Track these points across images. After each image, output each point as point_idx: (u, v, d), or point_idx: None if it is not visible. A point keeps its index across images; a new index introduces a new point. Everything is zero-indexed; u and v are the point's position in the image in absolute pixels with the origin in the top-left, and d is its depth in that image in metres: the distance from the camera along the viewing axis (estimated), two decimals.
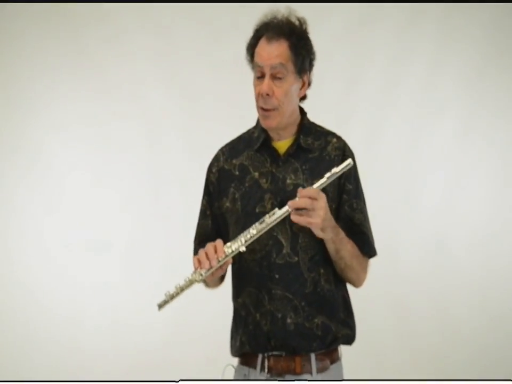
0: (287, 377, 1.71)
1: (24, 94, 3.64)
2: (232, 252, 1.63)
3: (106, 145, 3.68)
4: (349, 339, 1.78)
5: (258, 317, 1.72)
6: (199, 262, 1.64)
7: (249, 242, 1.64)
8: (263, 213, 1.71)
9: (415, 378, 3.25)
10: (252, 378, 1.74)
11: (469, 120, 3.76)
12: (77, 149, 3.67)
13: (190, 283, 1.66)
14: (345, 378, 1.81)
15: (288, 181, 1.74)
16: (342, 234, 1.70)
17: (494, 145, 3.76)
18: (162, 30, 3.66)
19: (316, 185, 1.62)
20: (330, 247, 1.69)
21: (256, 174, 1.77)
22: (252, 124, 1.88)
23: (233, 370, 1.82)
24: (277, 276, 1.70)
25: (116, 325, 3.59)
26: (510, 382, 1.87)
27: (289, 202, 1.60)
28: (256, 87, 1.72)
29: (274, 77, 1.69)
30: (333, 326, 1.73)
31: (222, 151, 1.86)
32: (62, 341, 3.54)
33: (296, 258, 1.71)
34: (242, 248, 1.63)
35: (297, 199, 1.60)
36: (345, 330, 1.76)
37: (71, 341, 3.56)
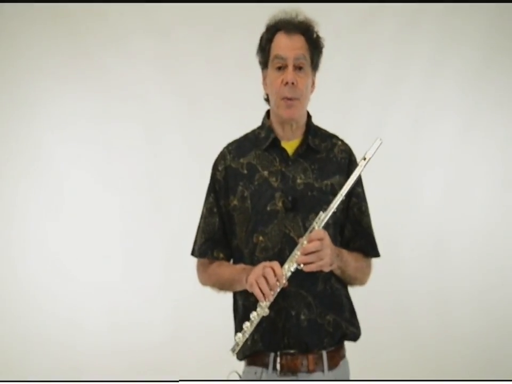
0: (300, 375, 1.72)
1: (24, 94, 3.64)
2: (291, 272, 1.63)
3: (107, 145, 3.68)
4: (355, 336, 1.82)
5: (273, 315, 1.71)
6: (261, 291, 1.61)
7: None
8: (275, 211, 1.73)
9: (415, 379, 3.25)
10: (263, 377, 1.74)
11: (469, 119, 3.76)
12: (77, 149, 3.67)
13: (258, 319, 1.65)
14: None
15: (299, 180, 1.75)
16: (345, 255, 1.74)
17: (494, 144, 3.76)
18: (163, 30, 3.66)
19: (352, 177, 1.66)
20: (337, 272, 1.75)
21: (266, 172, 1.77)
22: (253, 123, 1.88)
23: (237, 377, 1.79)
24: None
25: (116, 325, 3.59)
26: (510, 382, 1.88)
27: (302, 250, 1.62)
28: (277, 78, 1.74)
29: (296, 68, 1.73)
30: (342, 323, 1.77)
31: (228, 149, 1.85)
32: (62, 341, 3.54)
33: None
34: (301, 266, 1.63)
35: (300, 245, 1.63)
36: (352, 328, 1.80)
37: (71, 341, 3.56)
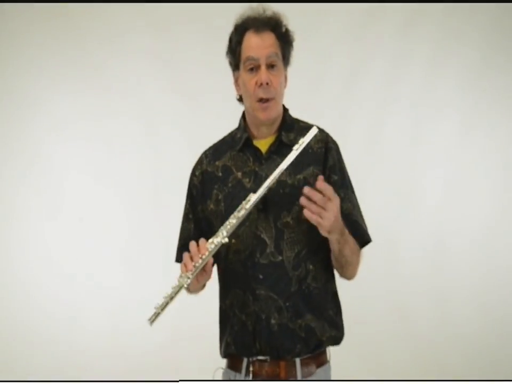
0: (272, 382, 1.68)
1: (24, 93, 3.64)
2: (216, 245, 1.61)
3: (107, 144, 3.68)
4: (336, 340, 1.75)
5: (244, 318, 1.71)
6: (185, 265, 1.62)
7: (230, 232, 1.61)
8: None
9: (415, 379, 3.25)
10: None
11: (469, 119, 3.76)
12: (77, 148, 3.67)
13: (178, 289, 1.64)
14: (344, 378, 1.80)
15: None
16: (347, 233, 1.66)
17: (494, 144, 3.76)
18: (162, 28, 3.66)
19: (285, 162, 1.59)
20: (335, 247, 1.66)
21: (239, 174, 1.75)
22: None
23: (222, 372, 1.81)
24: (261, 276, 1.69)
25: (116, 326, 3.59)
26: (510, 382, 1.87)
27: (305, 188, 1.54)
28: (251, 80, 1.71)
29: (268, 67, 1.70)
30: (317, 328, 1.70)
31: (205, 154, 1.85)
32: (63, 343, 3.54)
33: (280, 258, 1.68)
34: (225, 240, 1.60)
35: (234, 216, 1.59)
36: (331, 331, 1.73)
37: (72, 342, 3.55)
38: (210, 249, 1.60)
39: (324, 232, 1.59)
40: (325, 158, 1.73)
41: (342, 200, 1.71)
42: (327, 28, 3.69)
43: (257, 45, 1.70)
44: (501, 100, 3.75)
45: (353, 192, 1.78)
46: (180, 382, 1.82)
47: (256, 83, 1.69)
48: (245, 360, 1.72)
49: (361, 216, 1.78)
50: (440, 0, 3.65)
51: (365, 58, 3.72)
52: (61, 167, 3.66)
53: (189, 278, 1.62)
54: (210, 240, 1.62)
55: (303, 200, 1.54)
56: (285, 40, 1.73)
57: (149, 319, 1.66)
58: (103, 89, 3.66)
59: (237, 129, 1.84)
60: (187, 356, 3.44)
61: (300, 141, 1.59)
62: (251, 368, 1.70)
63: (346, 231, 1.67)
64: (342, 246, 1.66)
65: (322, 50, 3.69)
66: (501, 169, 3.77)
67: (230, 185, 1.75)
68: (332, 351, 1.78)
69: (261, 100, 1.70)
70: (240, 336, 1.72)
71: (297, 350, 1.69)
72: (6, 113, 3.65)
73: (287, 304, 1.68)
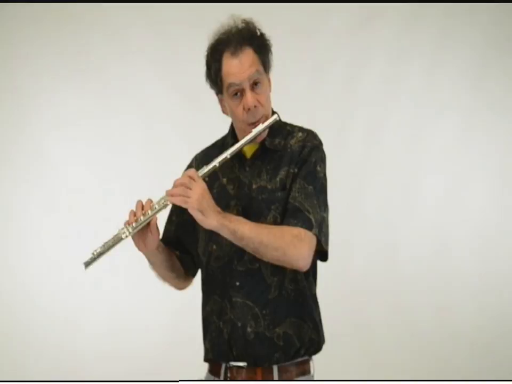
0: None
1: (23, 92, 3.64)
2: (159, 207, 1.63)
3: (107, 143, 3.68)
4: (314, 344, 1.71)
5: (221, 325, 1.71)
6: (129, 218, 1.65)
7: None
8: None
9: (415, 379, 3.25)
10: None
11: (469, 120, 3.76)
12: (77, 147, 3.66)
13: (116, 240, 1.68)
14: (344, 377, 1.79)
15: (254, 186, 1.70)
16: (235, 217, 1.61)
17: (494, 145, 3.76)
18: (161, 26, 3.67)
19: (241, 142, 1.64)
20: (224, 232, 1.58)
21: (224, 180, 1.75)
22: None
23: None
24: (237, 283, 1.68)
25: (116, 326, 3.59)
26: (510, 382, 1.87)
27: (173, 184, 1.60)
28: (237, 106, 1.67)
29: (252, 86, 1.65)
30: (296, 335, 1.67)
31: (196, 157, 1.85)
32: (62, 343, 3.53)
33: (257, 264, 1.66)
34: (168, 202, 1.62)
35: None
36: (312, 334, 1.70)
37: (71, 343, 3.55)
38: (156, 209, 1.62)
39: (195, 213, 1.57)
40: (299, 155, 1.69)
41: (291, 190, 1.66)
42: (326, 27, 3.69)
43: (237, 69, 1.64)
44: (502, 100, 3.75)
45: (312, 186, 1.67)
46: (179, 382, 1.82)
47: (243, 108, 1.66)
48: (223, 366, 1.71)
49: (313, 207, 1.64)
50: (440, 0, 3.65)
51: (364, 58, 3.72)
52: (61, 166, 3.65)
53: (129, 232, 1.66)
54: (155, 200, 1.64)
55: (168, 191, 1.60)
56: (262, 49, 1.69)
57: (85, 263, 1.70)
58: (103, 88, 3.66)
59: (227, 134, 1.83)
60: (187, 356, 3.44)
61: (259, 127, 1.63)
62: (228, 374, 1.69)
63: (235, 217, 1.61)
64: (234, 227, 1.57)
65: (321, 50, 3.69)
66: (501, 170, 3.77)
67: (215, 191, 1.73)
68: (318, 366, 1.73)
69: (252, 123, 1.68)
70: (216, 344, 1.72)
71: (275, 358, 1.66)
72: (5, 112, 3.65)
73: (264, 312, 1.66)
